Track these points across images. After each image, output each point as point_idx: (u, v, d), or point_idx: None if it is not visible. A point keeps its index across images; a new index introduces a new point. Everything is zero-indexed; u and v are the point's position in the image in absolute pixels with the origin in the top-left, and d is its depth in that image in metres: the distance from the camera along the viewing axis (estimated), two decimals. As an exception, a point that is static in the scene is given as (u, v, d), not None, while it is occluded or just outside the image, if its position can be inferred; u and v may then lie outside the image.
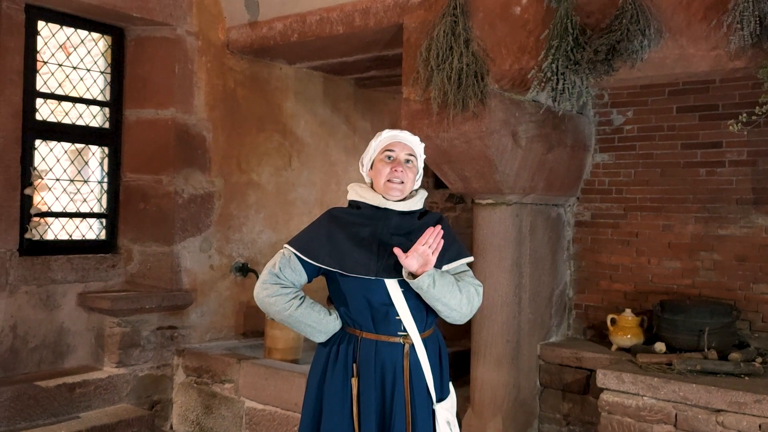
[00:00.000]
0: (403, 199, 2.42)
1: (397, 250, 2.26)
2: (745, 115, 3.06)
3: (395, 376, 2.33)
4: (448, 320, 2.44)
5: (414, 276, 2.28)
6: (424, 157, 2.52)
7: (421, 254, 2.25)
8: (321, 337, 2.42)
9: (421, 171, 2.49)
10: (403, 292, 2.34)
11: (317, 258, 2.35)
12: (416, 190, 2.49)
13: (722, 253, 4.08)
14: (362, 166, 2.51)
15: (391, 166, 2.38)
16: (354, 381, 2.33)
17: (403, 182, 2.38)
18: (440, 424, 2.38)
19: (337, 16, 4.46)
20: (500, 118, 3.76)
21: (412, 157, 2.42)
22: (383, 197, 2.40)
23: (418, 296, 2.35)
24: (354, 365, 2.35)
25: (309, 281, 2.44)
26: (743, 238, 4.02)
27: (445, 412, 2.40)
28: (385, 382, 2.34)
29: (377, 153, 2.44)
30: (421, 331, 2.37)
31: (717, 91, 4.09)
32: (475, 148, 3.81)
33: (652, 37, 3.17)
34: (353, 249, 2.34)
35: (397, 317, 2.35)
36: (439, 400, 2.42)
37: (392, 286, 2.33)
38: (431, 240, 2.26)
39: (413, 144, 2.44)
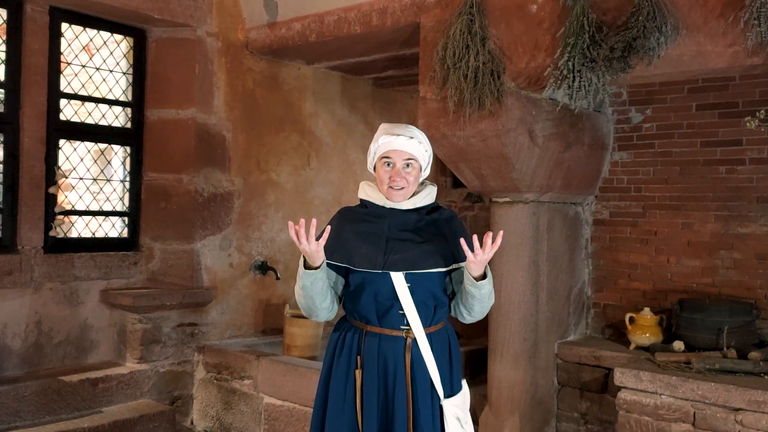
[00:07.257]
0: (409, 197, 2.42)
1: (467, 250, 2.28)
2: (763, 111, 3.04)
3: (396, 369, 2.35)
4: (465, 319, 2.48)
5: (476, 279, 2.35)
6: (430, 152, 2.46)
7: (484, 260, 2.32)
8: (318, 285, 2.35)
9: (427, 165, 2.45)
10: (409, 286, 2.35)
11: (328, 255, 2.37)
12: (422, 186, 2.47)
13: (742, 251, 4.05)
14: (369, 162, 2.49)
15: (389, 174, 2.38)
16: (358, 373, 2.36)
17: (403, 188, 2.39)
18: (449, 420, 2.38)
19: (354, 15, 4.49)
20: (517, 117, 3.76)
21: (411, 160, 2.38)
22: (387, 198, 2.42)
23: (424, 291, 2.37)
24: (358, 357, 2.38)
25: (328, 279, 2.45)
26: (764, 236, 3.98)
27: (454, 408, 2.40)
28: (387, 375, 2.36)
29: (377, 157, 2.43)
30: (426, 325, 2.38)
31: (736, 89, 4.05)
32: (491, 147, 3.81)
33: (669, 34, 3.16)
34: (361, 245, 2.38)
35: (401, 311, 2.36)
36: (449, 396, 2.42)
37: (398, 280, 2.35)
38: (489, 250, 2.30)
39: (410, 149, 2.37)
